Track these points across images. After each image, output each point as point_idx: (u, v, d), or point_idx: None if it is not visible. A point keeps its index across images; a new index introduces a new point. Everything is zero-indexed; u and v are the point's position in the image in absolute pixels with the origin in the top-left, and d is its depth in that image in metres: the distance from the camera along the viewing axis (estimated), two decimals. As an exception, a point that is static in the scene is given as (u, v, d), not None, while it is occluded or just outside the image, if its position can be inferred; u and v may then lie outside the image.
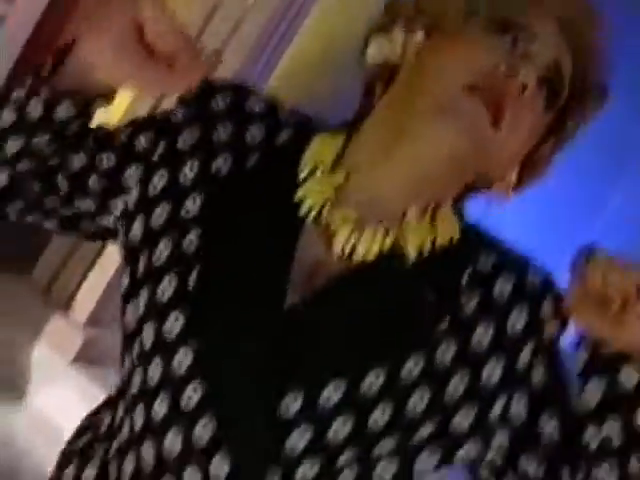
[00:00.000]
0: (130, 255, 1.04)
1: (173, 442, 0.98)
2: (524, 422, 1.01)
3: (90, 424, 1.13)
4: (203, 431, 0.97)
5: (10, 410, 2.65)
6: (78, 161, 1.03)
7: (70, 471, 1.09)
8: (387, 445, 0.98)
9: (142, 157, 1.04)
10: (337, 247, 0.99)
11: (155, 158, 1.04)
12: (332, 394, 0.96)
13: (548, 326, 1.01)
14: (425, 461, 1.00)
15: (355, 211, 0.99)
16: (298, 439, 0.96)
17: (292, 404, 0.96)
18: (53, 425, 2.66)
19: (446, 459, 1.01)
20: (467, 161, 0.96)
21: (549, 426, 1.01)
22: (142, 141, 1.04)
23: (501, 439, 1.01)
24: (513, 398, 1.01)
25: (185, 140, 1.03)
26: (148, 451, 0.99)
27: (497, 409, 1.00)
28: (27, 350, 2.74)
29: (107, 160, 1.04)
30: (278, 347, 0.98)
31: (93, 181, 1.04)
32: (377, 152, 0.99)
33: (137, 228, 1.03)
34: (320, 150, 1.02)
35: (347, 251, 0.99)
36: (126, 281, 1.04)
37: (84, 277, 2.79)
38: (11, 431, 2.57)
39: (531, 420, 1.01)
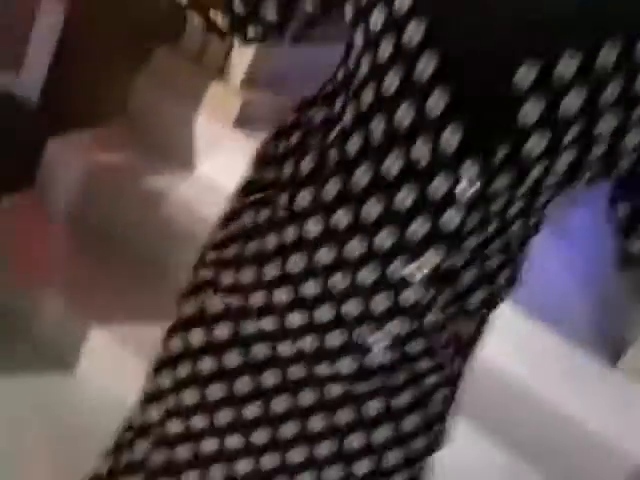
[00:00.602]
0: None
1: (405, 114, 1.00)
2: None
3: (292, 127, 1.18)
4: (436, 101, 0.98)
5: (181, 178, 2.77)
6: None
7: (290, 164, 1.14)
8: (606, 125, 0.98)
9: None
10: None
11: None
12: (568, 65, 0.95)
13: None
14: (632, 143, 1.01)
15: None
16: (530, 110, 0.96)
17: (527, 75, 0.96)
18: (222, 189, 2.75)
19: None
20: None
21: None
22: None
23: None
24: None
25: None
26: (377, 126, 1.02)
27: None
28: (188, 120, 2.81)
29: None
30: (517, 17, 0.97)
31: None
32: None
33: None
34: None
35: None
36: None
37: (233, 42, 2.78)
38: (184, 199, 2.69)
39: None
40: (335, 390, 1.13)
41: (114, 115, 2.89)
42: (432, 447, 1.21)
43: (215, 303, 1.18)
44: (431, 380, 1.16)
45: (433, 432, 1.20)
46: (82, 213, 2.67)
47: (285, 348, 1.12)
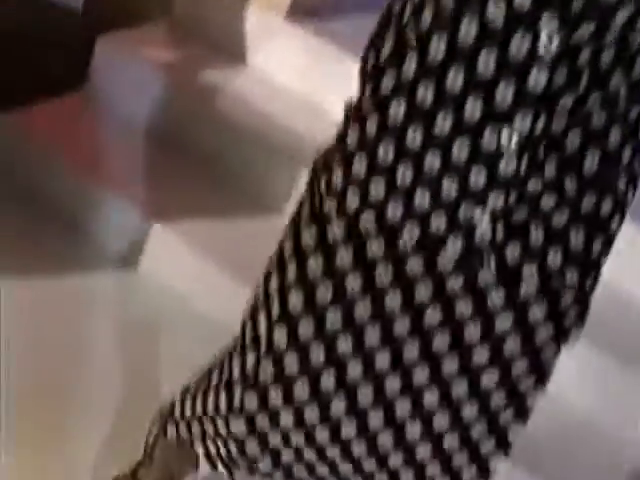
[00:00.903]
0: None
1: None
2: None
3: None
4: None
5: (235, 71, 2.72)
6: None
7: (372, 55, 1.11)
8: None
9: None
10: None
11: None
12: None
13: None
14: None
15: None
16: None
17: None
18: (275, 81, 2.72)
19: None
20: None
21: None
22: None
23: None
24: None
25: None
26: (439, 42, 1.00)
27: None
28: (239, 12, 2.75)
29: None
30: None
31: None
32: None
33: None
34: None
35: None
36: None
37: None
38: (239, 91, 2.65)
39: None
40: (455, 283, 1.10)
41: (161, 13, 2.85)
42: (558, 339, 1.17)
43: (328, 205, 1.16)
44: (557, 261, 1.11)
45: (561, 324, 1.16)
46: (134, 110, 2.64)
47: (403, 240, 1.10)
